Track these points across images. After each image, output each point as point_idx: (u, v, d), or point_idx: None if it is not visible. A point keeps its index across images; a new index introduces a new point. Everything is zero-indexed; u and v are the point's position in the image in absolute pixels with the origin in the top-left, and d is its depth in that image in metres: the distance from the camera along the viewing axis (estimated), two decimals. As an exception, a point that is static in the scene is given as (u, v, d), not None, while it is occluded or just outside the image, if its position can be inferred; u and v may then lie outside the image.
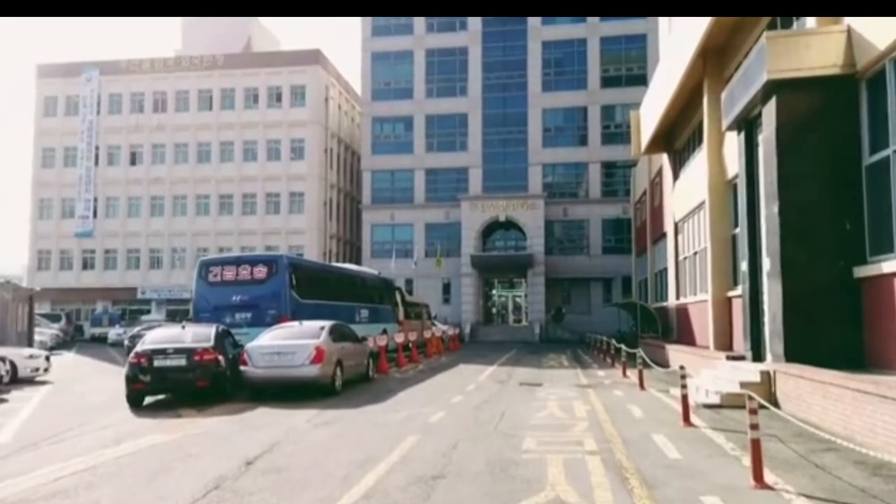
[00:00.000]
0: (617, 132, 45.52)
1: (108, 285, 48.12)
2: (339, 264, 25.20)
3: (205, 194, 48.18)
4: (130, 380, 12.18)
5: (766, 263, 11.08)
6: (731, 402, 10.15)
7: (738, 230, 16.84)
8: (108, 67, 49.99)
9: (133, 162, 49.33)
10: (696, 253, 21.39)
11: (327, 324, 14.22)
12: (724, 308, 17.25)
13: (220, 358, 12.78)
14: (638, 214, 35.89)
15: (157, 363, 12.16)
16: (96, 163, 49.27)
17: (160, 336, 13.15)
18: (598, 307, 44.12)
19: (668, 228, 25.77)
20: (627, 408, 10.66)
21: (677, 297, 24.33)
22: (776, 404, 9.85)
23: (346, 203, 52.14)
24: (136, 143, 49.26)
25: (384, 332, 23.62)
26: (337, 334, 14.26)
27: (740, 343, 16.11)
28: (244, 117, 47.81)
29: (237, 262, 16.94)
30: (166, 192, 48.57)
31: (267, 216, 46.80)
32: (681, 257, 23.92)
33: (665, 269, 28.19)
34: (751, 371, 10.62)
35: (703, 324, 19.74)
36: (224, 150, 48.38)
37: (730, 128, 13.36)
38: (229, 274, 16.83)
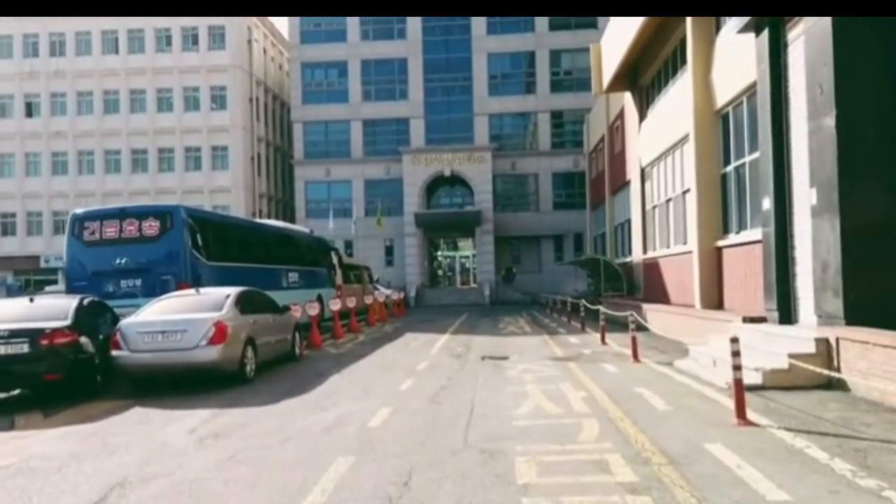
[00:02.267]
0: (566, 79, 42.79)
1: (7, 253, 42.70)
2: (261, 220, 21.62)
3: (114, 149, 43.02)
4: (-54, 376, 8.69)
5: (813, 196, 8.45)
6: (777, 382, 7.57)
7: (729, 168, 14.36)
8: (-6, 4, 43.53)
9: (29, 113, 43.50)
10: (669, 200, 18.94)
11: (233, 291, 10.95)
12: (712, 260, 14.84)
13: (83, 341, 9.39)
14: (593, 165, 33.44)
15: (-18, 352, 8.69)
16: (-15, 115, 43.22)
17: (-6, 313, 9.61)
18: (550, 266, 41.95)
19: (633, 175, 23.29)
20: (636, 392, 7.94)
21: (644, 251, 21.99)
22: (841, 383, 7.32)
23: (277, 158, 47.83)
24: (31, 91, 43.35)
25: (318, 298, 20.42)
26: (247, 304, 11.02)
27: (736, 300, 13.76)
28: (156, 61, 42.59)
29: (121, 214, 13.30)
30: (69, 147, 43.11)
31: (186, 173, 42.16)
32: (649, 206, 21.49)
33: (627, 222, 25.83)
34: (799, 338, 8.04)
35: (681, 279, 17.39)
36: (135, 99, 43.13)
37: (743, 30, 10.59)
38: (111, 230, 13.20)
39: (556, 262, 41.80)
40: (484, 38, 42.38)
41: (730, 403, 6.62)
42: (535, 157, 42.49)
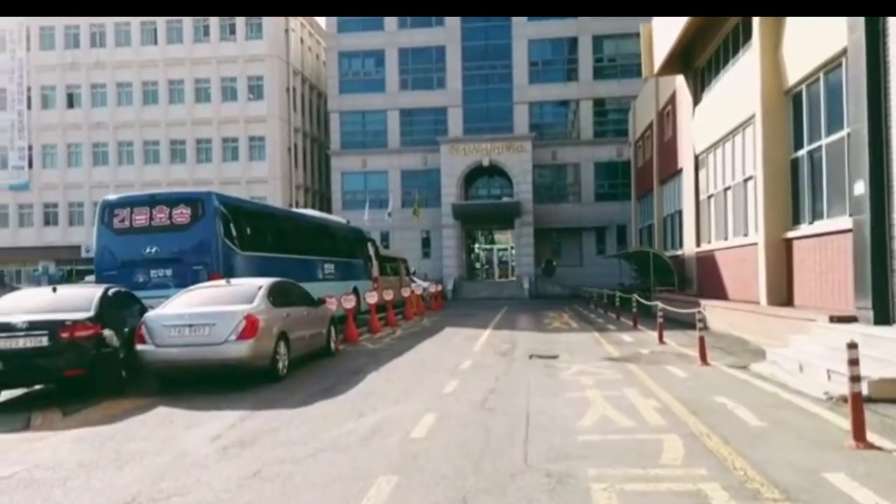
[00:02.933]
0: (610, 66, 41.33)
1: (50, 243, 43.29)
2: (297, 209, 21.01)
3: (153, 140, 43.16)
4: (-38, 370, 8.17)
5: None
6: (889, 394, 6.49)
7: (801, 153, 13.11)
8: (37, -3, 44.00)
9: (71, 104, 43.93)
10: (727, 189, 17.68)
11: (266, 282, 10.25)
12: (781, 252, 13.62)
13: (106, 334, 8.78)
14: (639, 154, 32.07)
15: (1, 344, 8.13)
16: (29, 106, 43.77)
17: (15, 304, 9.06)
18: (592, 259, 40.65)
19: (685, 164, 22.00)
20: (717, 402, 6.95)
21: (697, 244, 20.73)
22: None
23: (314, 149, 47.46)
24: (73, 82, 43.76)
25: (354, 290, 19.76)
26: (280, 296, 10.31)
27: (808, 296, 12.55)
28: (194, 52, 42.51)
29: (151, 201, 12.73)
30: (110, 137, 43.41)
31: (224, 164, 42.07)
32: (703, 196, 20.23)
33: (678, 213, 24.52)
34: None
35: (741, 273, 16.17)
36: (173, 89, 43.16)
37: (832, -5, 9.39)
38: (141, 218, 12.65)
39: (598, 255, 40.48)
40: (524, 25, 41.15)
41: (836, 419, 5.61)
42: (576, 147, 41.18)
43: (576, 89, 41.14)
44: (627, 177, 39.52)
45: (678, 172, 23.95)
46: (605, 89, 40.73)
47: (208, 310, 9.14)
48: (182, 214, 12.63)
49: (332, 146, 43.00)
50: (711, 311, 15.07)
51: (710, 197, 19.63)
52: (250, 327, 8.91)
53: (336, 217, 23.33)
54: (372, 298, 17.21)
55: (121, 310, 9.69)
